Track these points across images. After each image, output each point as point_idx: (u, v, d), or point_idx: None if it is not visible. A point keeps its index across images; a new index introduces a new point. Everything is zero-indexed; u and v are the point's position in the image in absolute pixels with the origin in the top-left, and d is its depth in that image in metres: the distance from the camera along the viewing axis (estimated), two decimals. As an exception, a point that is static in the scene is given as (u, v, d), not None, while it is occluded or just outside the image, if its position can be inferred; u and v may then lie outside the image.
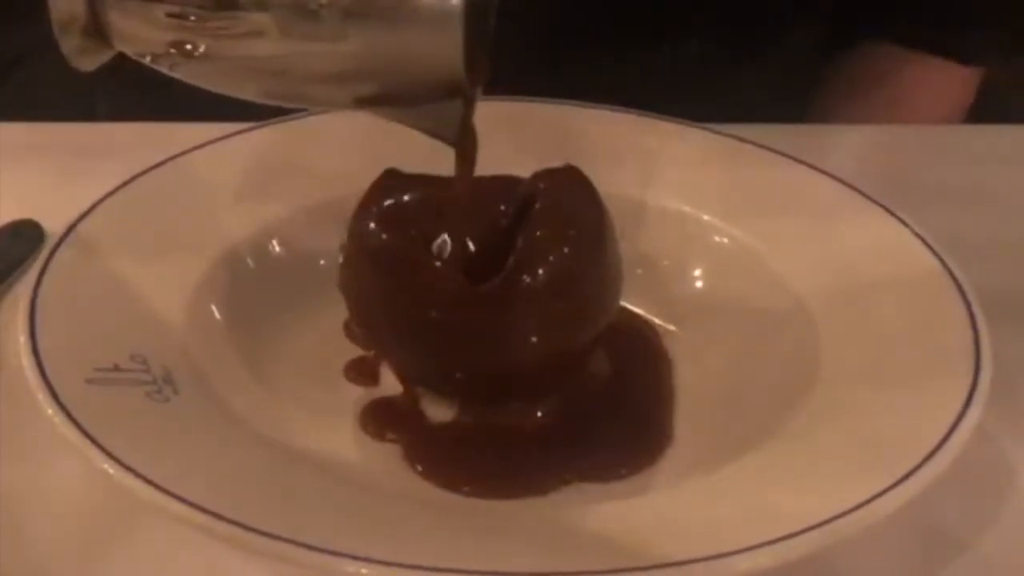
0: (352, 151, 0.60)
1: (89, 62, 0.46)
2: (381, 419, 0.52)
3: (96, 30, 0.45)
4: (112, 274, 0.52)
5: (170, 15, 0.44)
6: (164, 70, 0.46)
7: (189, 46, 0.45)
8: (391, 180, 0.52)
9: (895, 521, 0.42)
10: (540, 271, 0.48)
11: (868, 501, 0.41)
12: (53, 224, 0.56)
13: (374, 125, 0.61)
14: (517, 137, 0.62)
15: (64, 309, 0.49)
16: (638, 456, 0.50)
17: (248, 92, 0.47)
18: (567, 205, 0.52)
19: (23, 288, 0.50)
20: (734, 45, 0.81)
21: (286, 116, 0.62)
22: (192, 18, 0.44)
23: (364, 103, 0.47)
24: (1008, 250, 0.64)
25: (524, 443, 0.51)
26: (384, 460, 0.50)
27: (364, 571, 0.38)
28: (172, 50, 0.45)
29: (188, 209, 0.57)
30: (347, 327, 0.56)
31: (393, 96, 0.46)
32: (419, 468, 0.49)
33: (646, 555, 0.40)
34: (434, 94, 0.46)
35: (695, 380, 0.55)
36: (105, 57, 0.46)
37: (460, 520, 0.43)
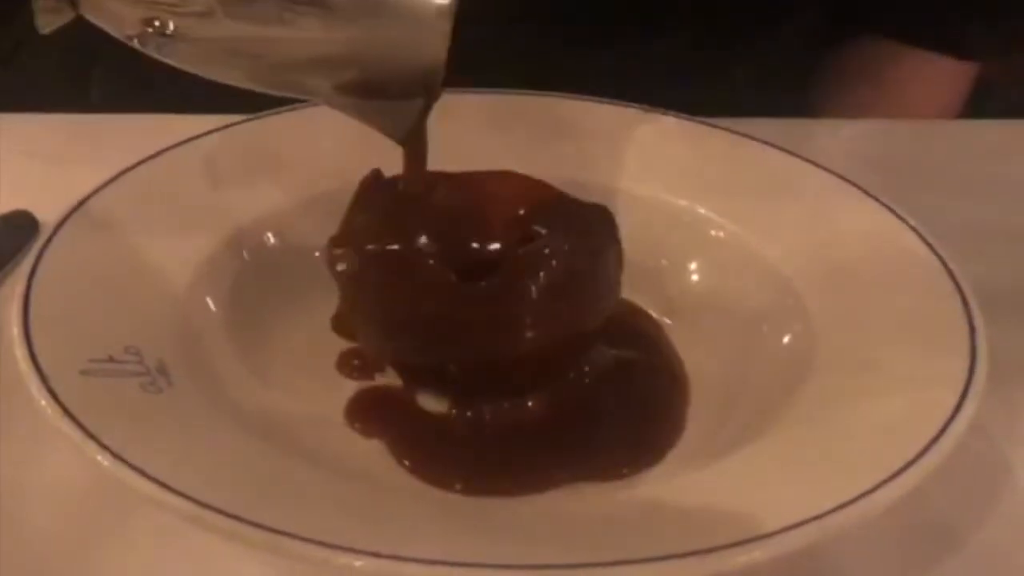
0: (348, 143, 0.60)
1: (49, 23, 0.46)
2: (371, 414, 0.51)
3: None
4: (106, 265, 0.52)
5: None
6: (150, 52, 0.46)
7: (158, 23, 0.44)
8: (378, 180, 0.52)
9: (891, 515, 0.41)
10: (540, 272, 0.48)
11: (863, 495, 0.41)
12: (47, 215, 0.56)
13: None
14: (509, 130, 0.62)
15: (58, 300, 0.49)
16: (640, 455, 0.49)
17: (232, 77, 0.47)
18: (569, 204, 0.51)
19: (17, 279, 0.49)
20: (729, 38, 0.81)
21: (281, 107, 0.62)
22: None
23: (336, 92, 0.47)
24: (1003, 243, 0.64)
25: (521, 439, 0.50)
26: (379, 452, 0.49)
27: (357, 563, 0.38)
28: (146, 28, 0.45)
29: (183, 200, 0.57)
30: (335, 322, 0.55)
31: (365, 87, 0.47)
32: (407, 463, 0.48)
33: (639, 548, 0.39)
34: (403, 90, 0.46)
35: (689, 374, 0.54)
36: (64, 20, 0.46)
37: (455, 512, 0.43)
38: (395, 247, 0.49)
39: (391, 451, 0.49)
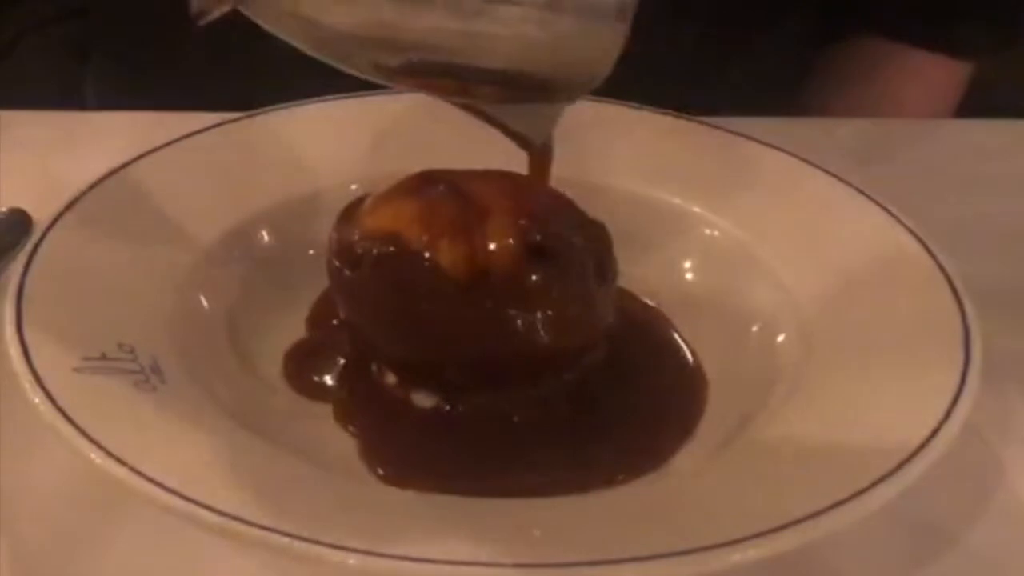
0: (343, 141, 0.60)
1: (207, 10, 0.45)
2: (361, 412, 0.51)
3: None
4: (100, 263, 0.52)
5: None
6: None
7: None
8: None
9: (884, 515, 0.42)
10: (537, 297, 0.48)
11: (857, 495, 0.41)
12: (41, 213, 0.56)
13: (364, 115, 0.62)
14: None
15: (52, 298, 0.49)
16: (638, 463, 0.48)
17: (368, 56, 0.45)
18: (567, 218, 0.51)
19: (10, 277, 0.49)
20: (724, 37, 0.81)
21: (276, 106, 0.62)
22: None
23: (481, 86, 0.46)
24: (998, 243, 0.64)
25: (515, 438, 0.50)
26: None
27: (351, 561, 0.38)
28: None
29: (177, 198, 0.56)
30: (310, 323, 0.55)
31: (520, 84, 0.45)
32: (380, 472, 0.47)
33: (633, 547, 0.39)
34: (563, 91, 0.45)
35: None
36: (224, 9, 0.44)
37: (449, 511, 0.43)
38: (396, 250, 0.49)
39: (363, 456, 0.49)
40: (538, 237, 0.48)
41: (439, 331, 0.49)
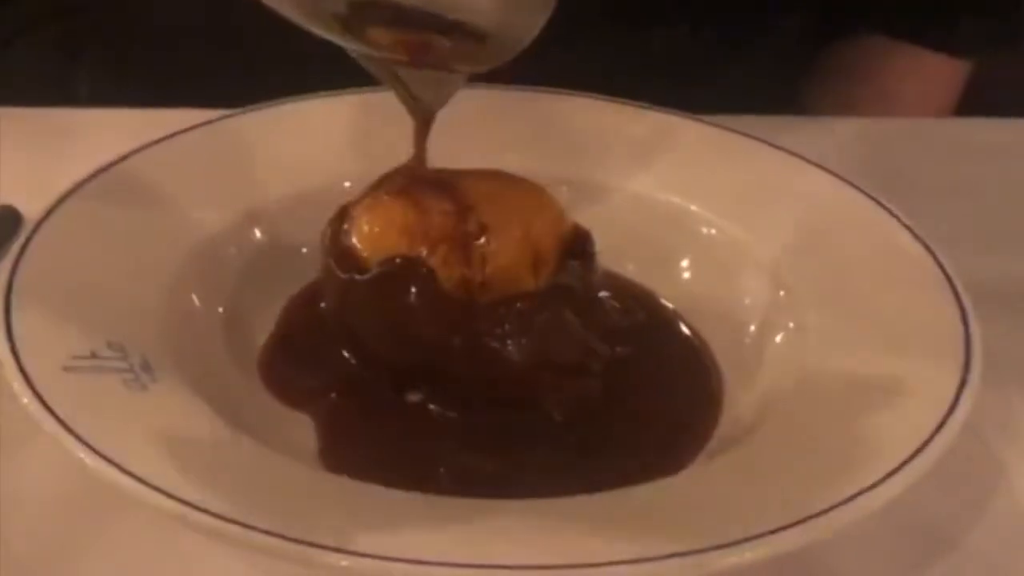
0: (336, 138, 0.60)
1: None
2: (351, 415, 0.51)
3: None
4: (90, 260, 0.51)
5: None
6: None
7: None
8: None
9: (884, 517, 0.41)
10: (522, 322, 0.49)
11: (855, 496, 0.41)
12: (31, 209, 0.56)
13: (357, 112, 0.61)
14: (502, 127, 0.61)
15: (41, 295, 0.48)
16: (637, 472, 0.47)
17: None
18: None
19: (-1, 274, 0.49)
20: (723, 35, 0.81)
21: (268, 102, 0.62)
22: None
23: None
24: (997, 242, 0.64)
25: (511, 441, 0.50)
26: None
27: (344, 563, 0.38)
28: None
29: (169, 195, 0.56)
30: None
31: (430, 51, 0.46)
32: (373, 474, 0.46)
33: (627, 550, 0.39)
34: (471, 60, 0.46)
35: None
36: None
37: (443, 512, 0.42)
38: (391, 262, 0.49)
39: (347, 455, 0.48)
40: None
41: (431, 343, 0.49)
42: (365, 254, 0.49)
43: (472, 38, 0.47)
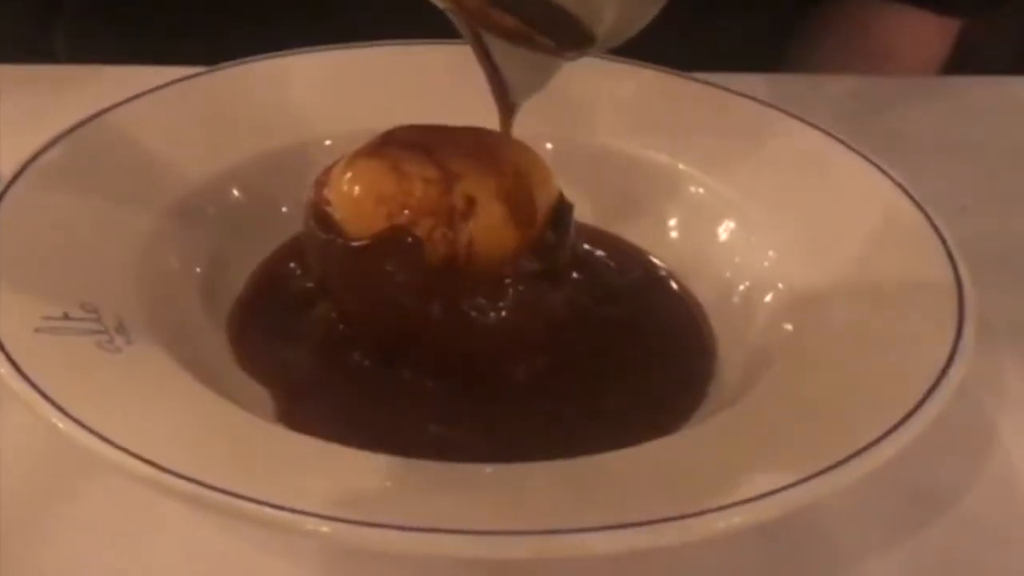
0: (316, 94, 0.59)
1: None
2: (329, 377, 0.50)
3: None
4: (64, 219, 0.50)
5: None
6: None
7: None
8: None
9: (877, 480, 0.41)
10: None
11: (847, 459, 0.40)
12: (4, 167, 0.54)
13: (338, 68, 0.60)
14: (485, 83, 0.60)
15: (13, 255, 0.47)
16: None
17: None
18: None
19: (-30, 233, 0.48)
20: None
21: (246, 59, 0.60)
22: None
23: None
24: (989, 202, 0.63)
25: (499, 404, 0.49)
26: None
27: (324, 528, 0.37)
28: None
29: (145, 153, 0.55)
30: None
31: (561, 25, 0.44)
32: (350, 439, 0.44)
33: (614, 514, 0.38)
34: (584, 45, 0.45)
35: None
36: None
37: (427, 477, 0.42)
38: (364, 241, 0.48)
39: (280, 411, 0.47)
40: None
41: (409, 311, 0.48)
42: (345, 223, 0.48)
43: (577, 41, 0.45)
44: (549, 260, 0.49)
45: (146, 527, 0.44)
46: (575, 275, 0.53)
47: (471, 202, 0.48)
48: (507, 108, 0.50)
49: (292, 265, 0.54)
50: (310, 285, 0.52)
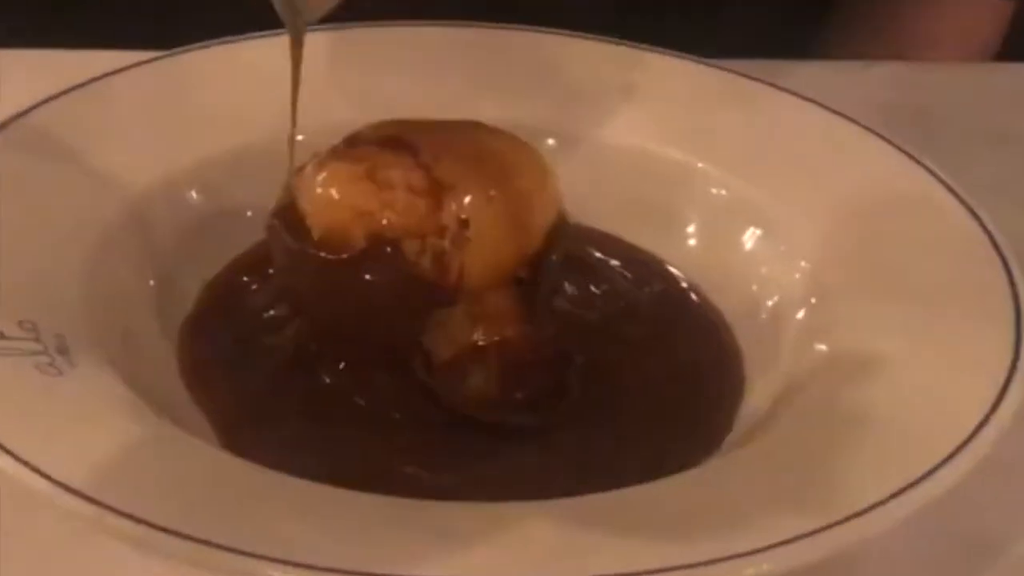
0: (280, 85, 0.58)
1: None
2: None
3: None
4: (-1, 224, 0.50)
5: None
6: None
7: None
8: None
9: (918, 519, 0.40)
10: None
11: (885, 500, 0.40)
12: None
13: (312, 56, 0.60)
14: (480, 70, 0.61)
15: (-60, 266, 0.48)
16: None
17: None
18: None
19: None
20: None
21: (200, 44, 0.61)
22: None
23: None
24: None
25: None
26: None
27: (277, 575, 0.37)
28: None
29: (89, 150, 0.55)
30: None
31: None
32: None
33: (637, 558, 0.38)
34: None
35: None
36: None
37: (397, 516, 0.42)
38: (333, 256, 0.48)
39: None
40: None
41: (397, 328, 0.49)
42: (318, 231, 0.48)
43: None
44: (533, 276, 0.50)
45: (90, 564, 0.44)
46: (593, 289, 0.54)
47: (464, 225, 0.48)
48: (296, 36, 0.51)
49: (247, 279, 0.55)
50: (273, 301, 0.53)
